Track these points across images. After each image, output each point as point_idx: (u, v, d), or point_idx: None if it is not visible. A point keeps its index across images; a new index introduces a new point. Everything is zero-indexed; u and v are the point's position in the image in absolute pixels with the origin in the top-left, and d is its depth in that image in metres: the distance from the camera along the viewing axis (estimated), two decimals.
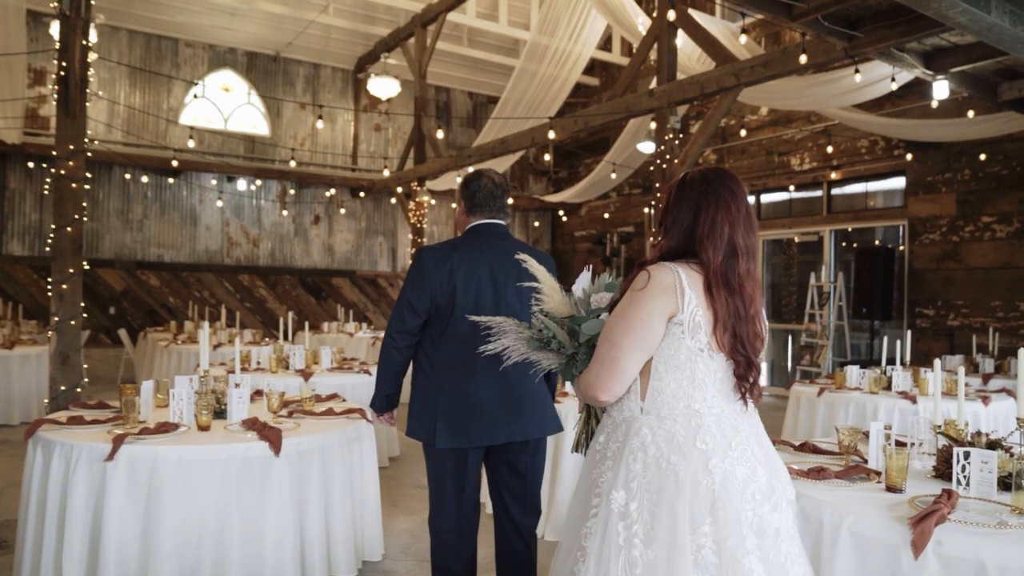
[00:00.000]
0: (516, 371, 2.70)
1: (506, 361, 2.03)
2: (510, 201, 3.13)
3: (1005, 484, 2.24)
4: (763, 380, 1.93)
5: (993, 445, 2.50)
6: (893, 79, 6.53)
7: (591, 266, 2.18)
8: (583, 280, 2.03)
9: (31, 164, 10.97)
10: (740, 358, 1.78)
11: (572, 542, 1.89)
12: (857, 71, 6.49)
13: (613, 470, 1.78)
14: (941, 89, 6.05)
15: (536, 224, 15.49)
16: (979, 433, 2.62)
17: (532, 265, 2.04)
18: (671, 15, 7.36)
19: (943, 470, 2.45)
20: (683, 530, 1.65)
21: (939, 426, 2.68)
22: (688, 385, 1.76)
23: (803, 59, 5.94)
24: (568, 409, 4.10)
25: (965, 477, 2.27)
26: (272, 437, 2.87)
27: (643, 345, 1.75)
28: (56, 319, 5.02)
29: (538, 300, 2.03)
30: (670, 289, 1.74)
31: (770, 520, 1.71)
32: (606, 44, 12.48)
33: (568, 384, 4.12)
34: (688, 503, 1.67)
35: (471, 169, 10.98)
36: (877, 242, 10.01)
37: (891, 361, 5.25)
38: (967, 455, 2.28)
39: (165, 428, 2.92)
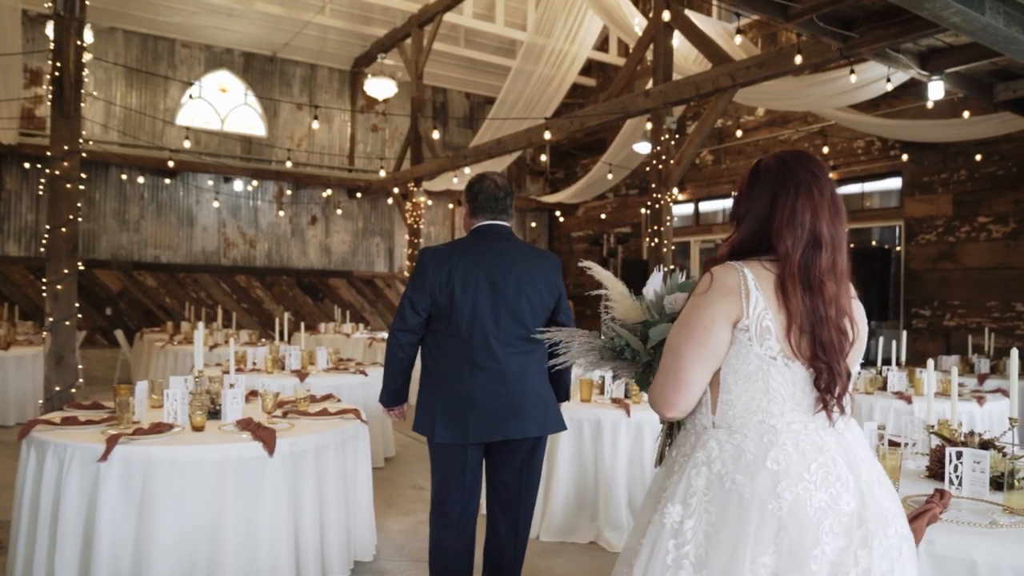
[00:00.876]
0: (518, 370, 2.74)
1: (583, 373, 2.04)
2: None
3: (997, 484, 2.24)
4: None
5: (986, 445, 2.50)
6: (888, 80, 6.54)
7: (662, 266, 2.05)
8: (654, 281, 1.91)
9: (27, 165, 10.96)
10: (821, 366, 1.57)
11: (630, 554, 1.75)
12: (852, 72, 6.50)
13: (675, 480, 1.63)
14: (936, 90, 6.06)
15: (533, 224, 15.49)
16: (972, 433, 2.63)
17: (598, 271, 1.92)
18: (666, 15, 7.36)
19: (936, 470, 2.45)
20: (742, 559, 1.47)
21: (933, 426, 2.69)
22: (762, 397, 1.58)
23: (798, 60, 5.95)
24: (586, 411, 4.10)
25: (958, 477, 2.27)
26: (266, 437, 2.87)
27: (707, 355, 1.58)
28: (51, 319, 5.01)
29: (607, 307, 1.91)
30: (734, 291, 1.56)
31: (855, 558, 1.47)
32: (603, 45, 12.49)
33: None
34: (751, 529, 1.48)
35: (468, 171, 11.02)
36: (873, 243, 10.03)
37: (887, 361, 5.26)
38: (959, 455, 2.28)
39: (159, 428, 2.92)
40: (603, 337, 1.88)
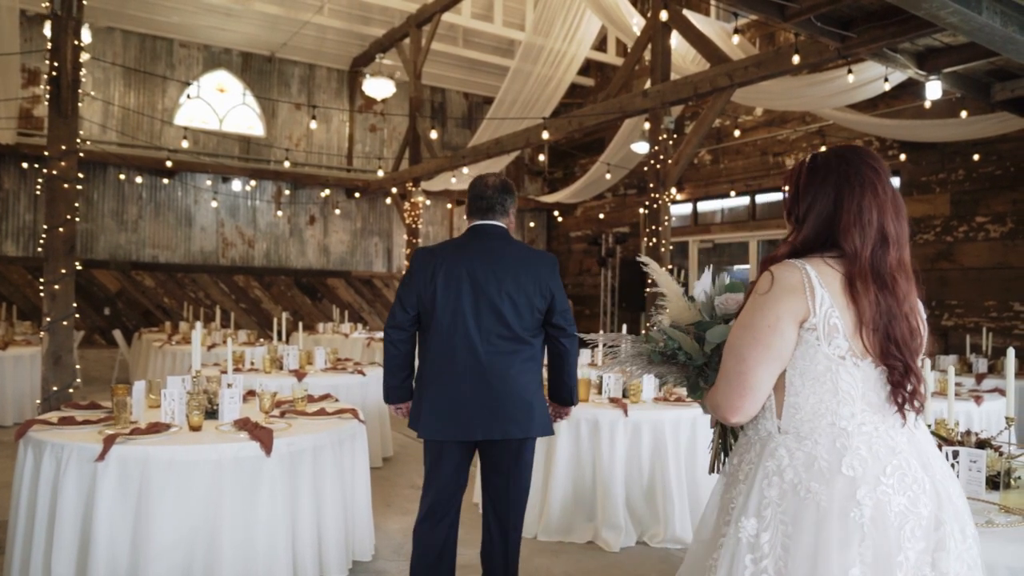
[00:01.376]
0: (499, 370, 2.75)
1: (629, 379, 2.00)
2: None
3: (994, 483, 2.25)
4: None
5: (982, 444, 2.51)
6: (886, 79, 6.54)
7: (711, 266, 2.00)
8: (704, 282, 1.84)
9: (25, 165, 10.94)
10: (896, 363, 1.52)
11: (696, 569, 1.72)
12: (850, 71, 6.50)
13: (745, 494, 1.57)
14: (934, 90, 6.06)
15: (532, 224, 15.50)
16: (969, 432, 2.63)
17: (654, 268, 1.87)
18: (664, 15, 7.37)
19: None
20: (827, 569, 1.42)
21: (930, 425, 2.69)
22: (831, 399, 1.53)
23: (796, 59, 5.96)
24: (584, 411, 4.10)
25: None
26: (263, 437, 2.87)
27: (773, 356, 1.53)
28: (48, 319, 5.01)
29: (660, 308, 1.86)
30: (797, 289, 1.52)
31: (937, 563, 1.44)
32: (601, 45, 12.49)
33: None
34: (832, 539, 1.44)
35: (466, 171, 11.00)
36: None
37: None
38: (956, 454, 2.29)
39: (156, 428, 2.92)
40: (652, 339, 1.81)
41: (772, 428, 1.59)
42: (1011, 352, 2.60)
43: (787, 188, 1.69)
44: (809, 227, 1.60)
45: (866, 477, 1.47)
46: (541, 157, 15.29)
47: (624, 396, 4.31)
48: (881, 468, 1.48)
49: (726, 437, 1.87)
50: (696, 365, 1.74)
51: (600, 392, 4.44)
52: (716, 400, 1.61)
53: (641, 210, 12.72)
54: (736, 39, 7.68)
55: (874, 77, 6.78)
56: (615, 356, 1.86)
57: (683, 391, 1.99)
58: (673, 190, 7.41)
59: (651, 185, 7.34)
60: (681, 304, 1.81)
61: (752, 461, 1.60)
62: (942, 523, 1.46)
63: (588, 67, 13.24)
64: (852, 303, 1.52)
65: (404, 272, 2.98)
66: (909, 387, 1.53)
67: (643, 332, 1.93)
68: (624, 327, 4.68)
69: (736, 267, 11.83)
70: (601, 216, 14.03)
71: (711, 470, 1.90)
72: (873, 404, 1.54)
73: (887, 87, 6.71)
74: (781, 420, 1.57)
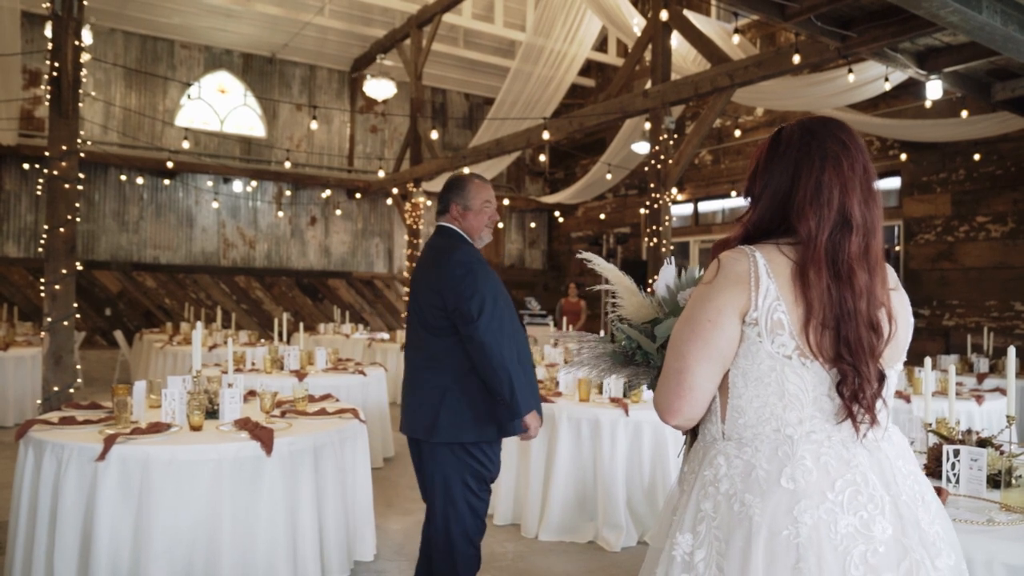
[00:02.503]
0: (409, 367, 2.88)
1: (597, 380, 1.81)
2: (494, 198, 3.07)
3: (995, 482, 2.25)
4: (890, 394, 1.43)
5: (983, 443, 2.50)
6: (886, 79, 6.55)
7: (672, 258, 1.85)
8: (667, 275, 1.68)
9: (26, 166, 10.96)
10: (846, 367, 1.33)
11: None
12: (850, 71, 6.50)
13: (683, 506, 1.43)
14: (935, 89, 6.07)
15: (532, 225, 15.50)
16: (969, 431, 2.63)
17: (600, 264, 1.71)
18: (664, 15, 7.37)
19: (934, 468, 2.45)
20: None
21: (930, 424, 2.69)
22: (776, 402, 1.36)
23: (796, 59, 5.96)
24: (585, 410, 4.10)
25: (955, 475, 2.27)
26: (264, 437, 2.87)
27: (712, 354, 1.36)
28: (49, 320, 5.01)
29: (614, 305, 1.70)
30: (742, 279, 1.35)
31: None
32: (602, 45, 12.50)
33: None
34: (758, 560, 1.27)
35: (467, 171, 11.02)
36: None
37: None
38: (956, 453, 2.28)
39: (157, 428, 2.91)
40: (617, 339, 1.67)
41: (717, 433, 1.43)
42: (1012, 351, 2.60)
43: (751, 164, 1.51)
44: (762, 206, 1.43)
45: (808, 491, 1.29)
46: (542, 158, 15.29)
47: (625, 396, 4.31)
48: (829, 483, 1.30)
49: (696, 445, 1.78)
50: (656, 365, 1.58)
51: (601, 392, 4.44)
52: (657, 400, 1.45)
53: (642, 210, 12.74)
54: (736, 39, 7.67)
55: (875, 77, 6.78)
56: (579, 359, 1.73)
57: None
58: (674, 190, 7.41)
59: (652, 185, 7.34)
60: (636, 300, 1.67)
61: (694, 469, 1.45)
62: (908, 551, 1.28)
63: (589, 68, 13.25)
64: (802, 295, 1.34)
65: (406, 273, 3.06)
66: (863, 396, 1.34)
67: (602, 332, 1.81)
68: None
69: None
70: (602, 217, 14.04)
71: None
72: (826, 411, 1.36)
73: (888, 87, 6.71)
74: (725, 425, 1.41)
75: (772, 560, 1.26)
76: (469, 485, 2.78)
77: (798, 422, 1.35)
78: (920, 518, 1.33)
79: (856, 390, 1.34)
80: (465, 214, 2.88)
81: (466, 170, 10.90)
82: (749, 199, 1.48)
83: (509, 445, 4.34)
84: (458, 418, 2.72)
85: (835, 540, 1.26)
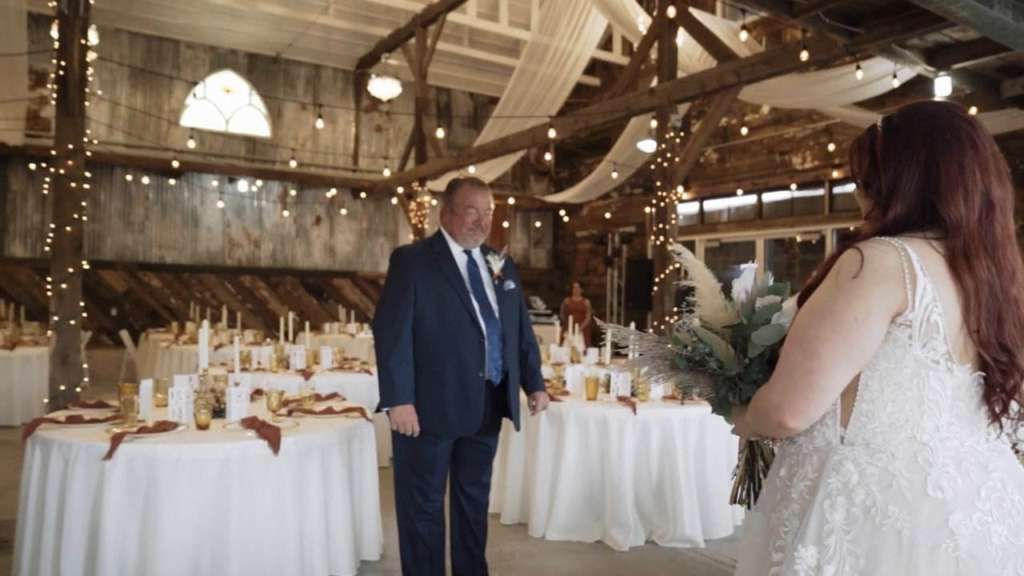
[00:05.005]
0: None
1: (646, 383, 1.70)
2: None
3: None
4: None
5: None
6: (895, 76, 6.51)
7: (753, 261, 1.77)
8: (745, 279, 1.56)
9: (32, 166, 10.97)
10: (1002, 357, 1.25)
11: None
12: (859, 68, 6.46)
13: (801, 516, 1.31)
14: (943, 86, 6.03)
15: (537, 224, 15.47)
16: None
17: (687, 258, 1.62)
18: (671, 12, 7.34)
19: None
20: None
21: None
22: (913, 409, 1.26)
23: (804, 56, 5.92)
24: (592, 409, 4.08)
25: None
26: (271, 436, 2.86)
27: (853, 356, 1.25)
28: (56, 319, 5.01)
29: (691, 306, 1.60)
30: (894, 275, 1.24)
31: None
32: (607, 44, 12.47)
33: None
34: None
35: (472, 170, 11.01)
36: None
37: None
38: None
39: (164, 427, 2.90)
40: (678, 341, 1.55)
41: (833, 438, 1.32)
42: None
43: (857, 159, 1.41)
44: (902, 199, 1.30)
45: (958, 500, 1.20)
46: (547, 156, 15.26)
47: (633, 395, 4.29)
48: (975, 490, 1.22)
49: (755, 463, 1.60)
50: (728, 376, 1.49)
51: (608, 391, 4.42)
52: (772, 400, 1.31)
53: (648, 209, 12.70)
54: (743, 36, 7.63)
55: (883, 74, 6.74)
56: (636, 357, 1.62)
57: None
58: (680, 189, 7.38)
59: (658, 184, 7.31)
60: (717, 303, 1.54)
61: (808, 476, 1.33)
62: None
63: (593, 66, 13.21)
64: (960, 290, 1.25)
65: None
66: (1010, 386, 1.26)
67: (649, 330, 1.71)
68: (632, 326, 4.63)
69: (743, 266, 11.77)
70: (607, 216, 14.00)
71: (734, 500, 1.63)
72: (961, 416, 1.28)
73: (896, 83, 6.67)
74: (847, 429, 1.31)
75: None
76: None
77: (935, 429, 1.26)
78: None
79: (1011, 387, 1.26)
80: (449, 216, 3.04)
81: (471, 170, 10.90)
82: (875, 193, 1.37)
83: (517, 444, 4.32)
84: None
85: (991, 552, 1.19)
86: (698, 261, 1.59)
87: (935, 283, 1.24)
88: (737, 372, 1.48)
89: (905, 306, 1.24)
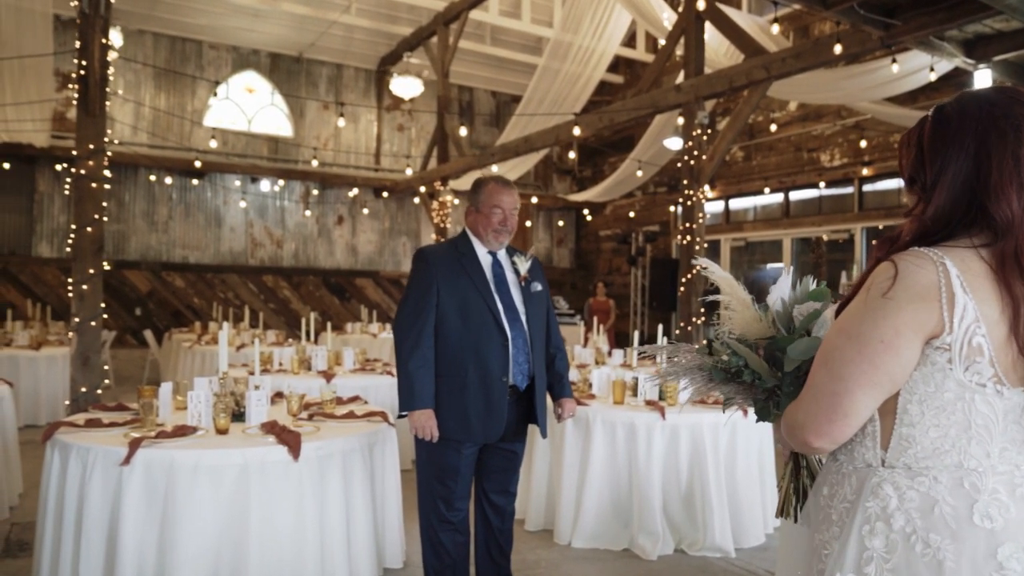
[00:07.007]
0: None
1: (693, 395, 1.58)
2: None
3: None
4: None
5: None
6: (932, 69, 6.30)
7: (792, 267, 1.68)
8: (781, 288, 1.48)
9: (59, 167, 11.06)
10: None
11: None
12: (894, 61, 6.26)
13: (841, 541, 1.23)
14: (983, 79, 5.82)
15: (560, 223, 15.35)
16: None
17: (715, 271, 1.56)
18: (701, 4, 7.18)
19: None
20: None
21: None
22: (960, 435, 1.16)
23: (838, 49, 5.75)
24: (620, 414, 3.97)
25: None
26: (291, 441, 2.79)
27: (881, 380, 1.17)
28: (76, 320, 4.99)
29: (725, 318, 1.54)
30: (929, 294, 1.13)
31: None
32: (630, 41, 12.32)
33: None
34: None
35: (495, 168, 10.92)
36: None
37: None
38: None
39: (182, 431, 2.85)
40: (715, 352, 1.51)
41: (873, 460, 1.23)
42: None
43: (905, 152, 1.31)
44: (943, 194, 1.19)
45: (1010, 531, 1.10)
46: (571, 155, 15.14)
47: (661, 399, 4.17)
48: None
49: (799, 475, 1.54)
50: (765, 387, 1.43)
51: (635, 395, 4.30)
52: (797, 419, 1.26)
53: (672, 208, 12.55)
54: (775, 28, 7.42)
55: (919, 67, 6.54)
56: (673, 367, 1.57)
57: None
58: (706, 187, 7.24)
59: (685, 182, 7.17)
60: (749, 315, 1.48)
61: (847, 498, 1.25)
62: None
63: (617, 64, 13.06)
64: (1009, 300, 1.12)
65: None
66: None
67: (676, 331, 1.64)
68: (660, 328, 4.53)
69: (769, 266, 11.58)
70: (631, 215, 13.85)
71: (780, 513, 1.57)
72: (1017, 440, 1.17)
73: (933, 77, 6.47)
74: (887, 452, 1.21)
75: None
76: None
77: (985, 455, 1.16)
78: None
79: None
80: (474, 215, 2.98)
81: (494, 168, 10.82)
82: (919, 188, 1.26)
83: (542, 448, 4.22)
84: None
85: None
86: (727, 274, 1.54)
87: (978, 300, 1.13)
88: (773, 384, 1.42)
89: (942, 329, 1.13)
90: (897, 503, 1.17)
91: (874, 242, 1.28)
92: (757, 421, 1.52)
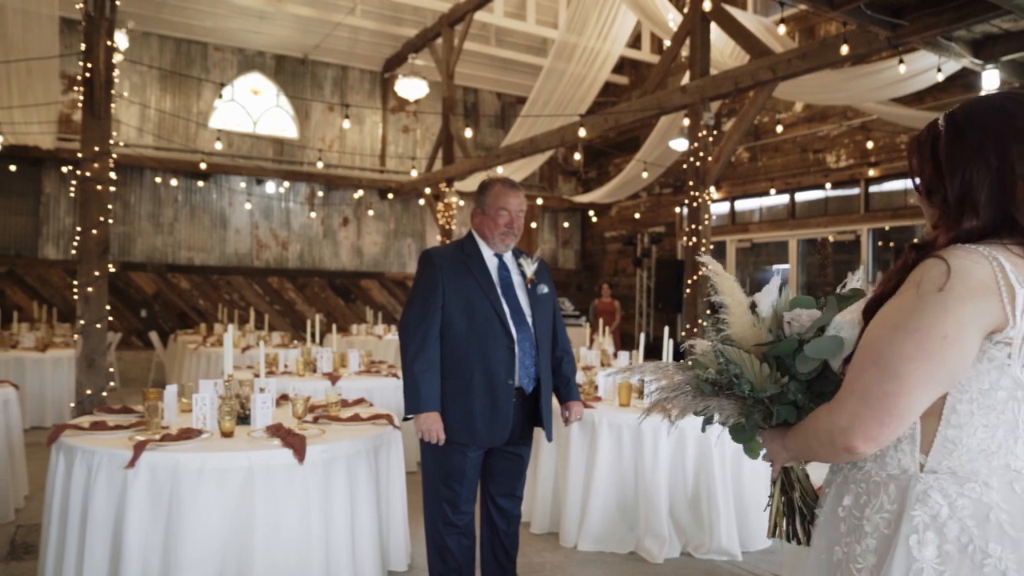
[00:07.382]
0: None
1: (676, 418, 1.47)
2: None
3: None
4: None
5: None
6: (939, 69, 6.27)
7: (779, 274, 1.63)
8: (769, 293, 1.45)
9: (65, 169, 11.09)
10: None
11: None
12: (901, 62, 6.23)
13: (879, 554, 1.18)
14: (991, 79, 5.78)
15: (565, 225, 15.33)
16: None
17: (717, 273, 1.50)
18: (706, 5, 7.15)
19: None
20: None
21: None
22: (1007, 435, 1.14)
23: (844, 50, 5.72)
24: (626, 416, 3.95)
25: None
26: (296, 444, 2.78)
27: (942, 377, 1.12)
28: (81, 322, 4.99)
29: (719, 324, 1.47)
30: (989, 288, 1.10)
31: None
32: (635, 42, 12.30)
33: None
34: None
35: (500, 170, 10.91)
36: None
37: None
38: None
39: (187, 434, 2.84)
40: (699, 364, 1.44)
41: (911, 465, 1.19)
42: None
43: (917, 162, 1.29)
44: (976, 211, 1.17)
45: None
46: (576, 156, 15.12)
47: None
48: None
49: (791, 492, 1.48)
50: (759, 398, 1.36)
51: (642, 397, 4.28)
52: (838, 423, 1.18)
53: (678, 209, 12.51)
54: (782, 29, 7.38)
55: (926, 67, 6.51)
56: (654, 395, 1.50)
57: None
58: (712, 188, 7.21)
59: (691, 183, 7.14)
60: (747, 320, 1.42)
61: (885, 508, 1.20)
62: None
63: (622, 65, 13.05)
64: None
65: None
66: None
67: (682, 333, 1.54)
68: (666, 329, 4.50)
69: (775, 267, 11.54)
70: (636, 216, 13.82)
71: (772, 534, 1.50)
72: None
73: (940, 78, 6.43)
74: (928, 457, 1.17)
75: None
76: None
77: None
78: None
79: None
80: (480, 217, 2.94)
81: (500, 170, 10.81)
82: (941, 201, 1.24)
83: (547, 451, 4.20)
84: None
85: None
86: (728, 275, 1.48)
87: None
88: (772, 393, 1.34)
89: (1005, 322, 1.11)
90: (949, 512, 1.13)
91: (913, 247, 1.25)
92: (733, 440, 1.46)
